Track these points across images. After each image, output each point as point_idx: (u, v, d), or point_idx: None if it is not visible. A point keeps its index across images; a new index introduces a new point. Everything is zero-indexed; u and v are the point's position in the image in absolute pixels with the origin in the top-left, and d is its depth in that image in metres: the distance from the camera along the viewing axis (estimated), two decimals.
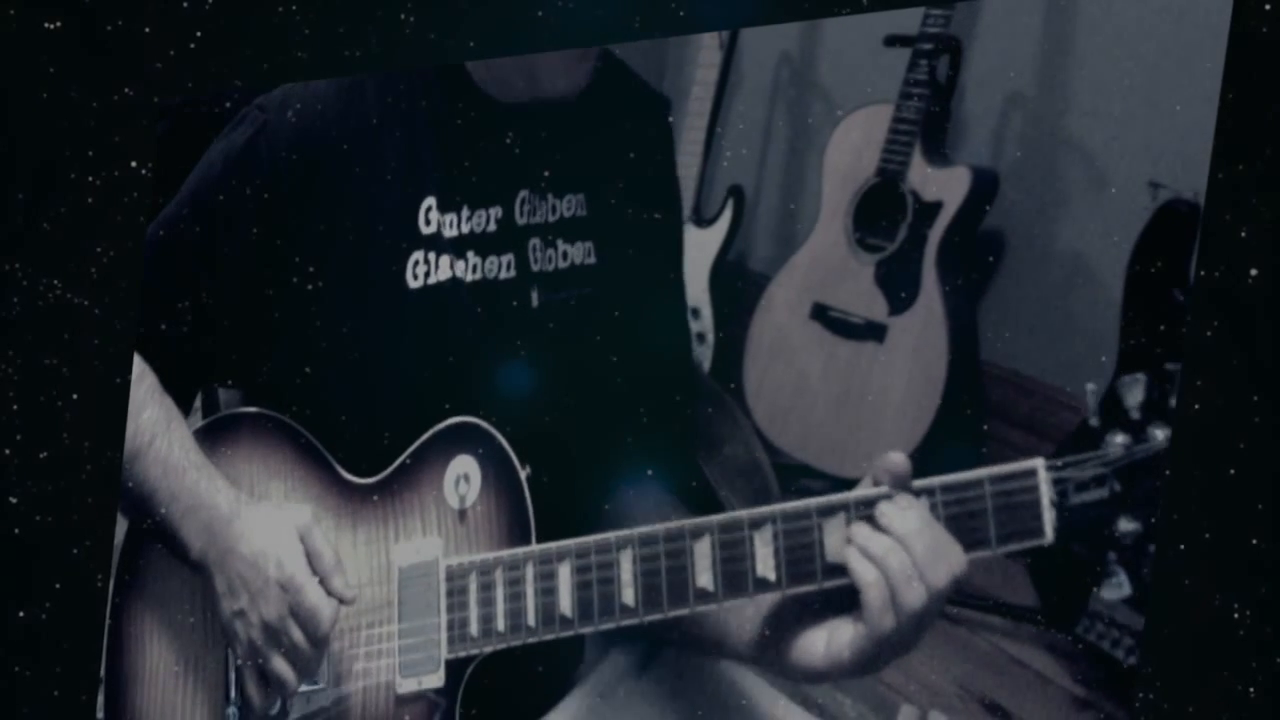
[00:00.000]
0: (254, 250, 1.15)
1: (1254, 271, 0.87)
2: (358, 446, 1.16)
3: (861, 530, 0.91)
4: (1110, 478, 0.86)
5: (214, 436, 1.19)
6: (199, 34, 1.29)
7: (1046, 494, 0.88)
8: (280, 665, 1.12)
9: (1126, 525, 0.86)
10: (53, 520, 1.35)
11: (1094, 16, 1.23)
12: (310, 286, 1.14)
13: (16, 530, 1.34)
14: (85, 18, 1.33)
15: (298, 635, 1.10)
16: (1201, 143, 0.91)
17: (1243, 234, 0.86)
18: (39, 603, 1.34)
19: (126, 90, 1.32)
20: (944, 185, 1.31)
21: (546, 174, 1.17)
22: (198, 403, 1.27)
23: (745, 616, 1.02)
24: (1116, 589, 0.89)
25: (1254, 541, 0.93)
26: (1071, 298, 1.17)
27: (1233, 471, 0.94)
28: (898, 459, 0.95)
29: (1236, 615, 0.96)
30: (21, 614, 1.33)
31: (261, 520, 1.13)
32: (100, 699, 1.20)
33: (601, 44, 1.17)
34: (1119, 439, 0.88)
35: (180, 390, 1.21)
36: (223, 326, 1.18)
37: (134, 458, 1.17)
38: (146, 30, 1.30)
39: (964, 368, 1.24)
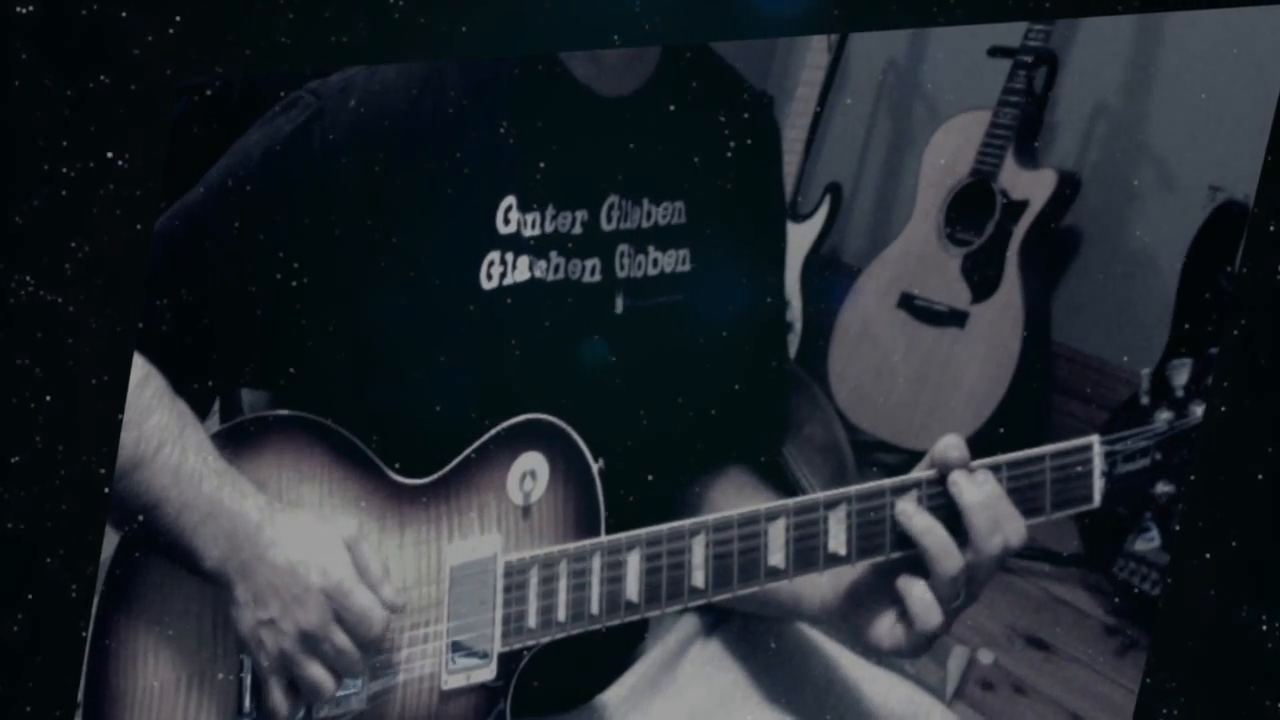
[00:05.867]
0: (294, 247, 1.07)
1: None
2: (407, 449, 1.09)
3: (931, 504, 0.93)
4: (1153, 449, 0.94)
5: (236, 441, 1.10)
6: (178, 19, 1.21)
7: (1099, 466, 0.94)
8: (316, 671, 1.04)
9: (1163, 488, 0.95)
10: (25, 527, 1.26)
11: (1174, 40, 1.33)
12: (360, 285, 1.07)
13: None
14: (59, 2, 1.24)
15: (342, 639, 1.04)
16: (1258, 151, 0.98)
17: (1270, 229, 0.91)
18: (12, 614, 1.26)
19: (102, 78, 1.23)
20: (1031, 185, 1.40)
21: (643, 178, 1.10)
22: (215, 406, 1.21)
23: (819, 585, 1.02)
24: (1149, 542, 0.97)
25: None
26: (1135, 286, 1.26)
27: (1260, 476, 0.96)
28: (954, 454, 0.94)
29: (1265, 627, 0.96)
30: None
31: (301, 528, 1.06)
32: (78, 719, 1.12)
33: (606, 45, 1.12)
34: (1164, 415, 0.96)
35: (196, 394, 1.12)
36: (251, 326, 1.10)
37: (137, 466, 1.07)
38: (123, 15, 1.21)
39: (1036, 349, 1.34)
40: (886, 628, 0.96)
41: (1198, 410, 0.94)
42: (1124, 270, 1.30)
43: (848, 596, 0.99)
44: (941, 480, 0.95)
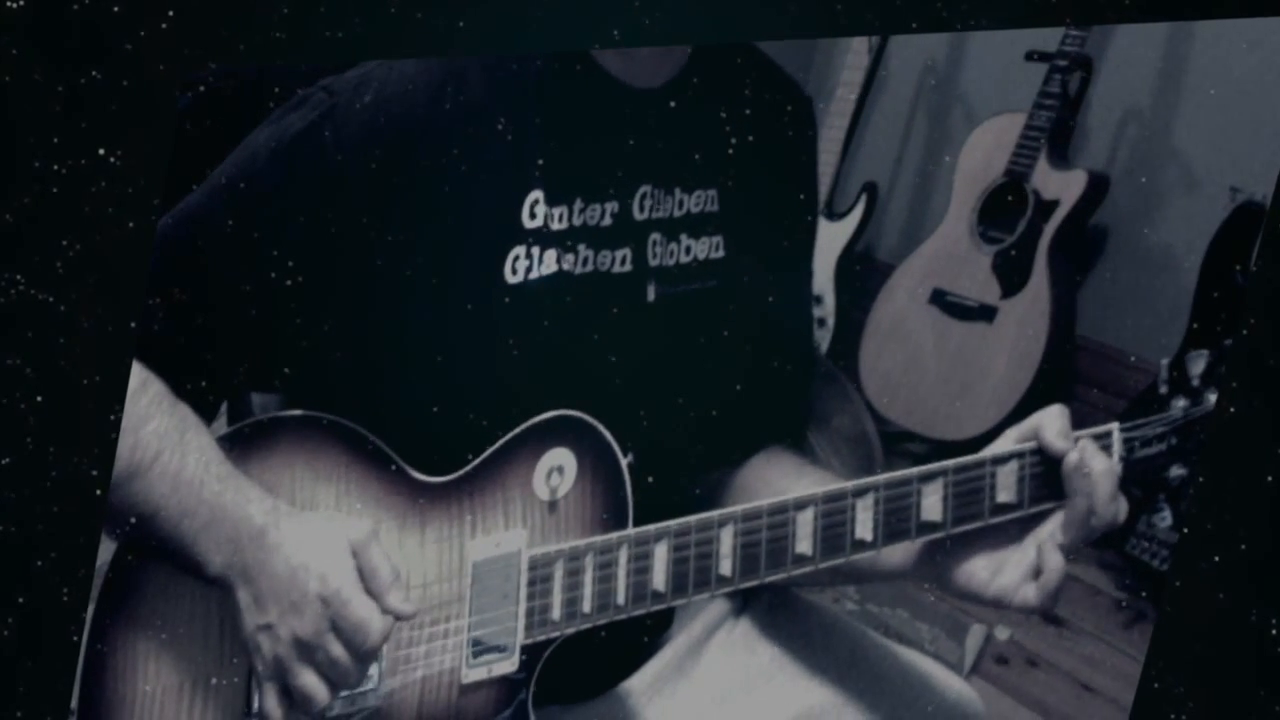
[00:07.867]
0: (306, 245, 1.06)
1: None
2: (427, 446, 1.07)
3: (1088, 460, 0.93)
4: (1169, 435, 0.99)
5: (245, 442, 1.08)
6: (171, 13, 1.17)
7: (1118, 451, 0.99)
8: (309, 680, 1.03)
9: (1176, 471, 0.99)
10: (16, 530, 1.23)
11: (1202, 49, 1.37)
12: (375, 282, 1.05)
13: None
14: None
15: (337, 650, 1.02)
16: (1277, 153, 1.02)
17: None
18: (2, 618, 1.22)
19: (95, 74, 1.19)
20: (1063, 186, 1.44)
21: (675, 167, 1.09)
22: (223, 409, 1.19)
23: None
24: (1161, 521, 1.02)
25: None
26: (1157, 281, 1.30)
27: (1269, 478, 0.95)
28: (1062, 443, 0.94)
29: (1274, 630, 0.95)
30: None
31: (306, 532, 1.04)
32: None
33: (606, 43, 1.11)
34: (1180, 403, 1.00)
35: (201, 399, 1.09)
36: (259, 327, 1.09)
37: (133, 475, 1.05)
38: (115, 10, 1.18)
39: (1060, 342, 1.38)
40: (986, 573, 0.96)
41: (1211, 398, 0.98)
42: (1147, 267, 1.35)
43: (926, 550, 1.00)
44: (966, 469, 0.96)
